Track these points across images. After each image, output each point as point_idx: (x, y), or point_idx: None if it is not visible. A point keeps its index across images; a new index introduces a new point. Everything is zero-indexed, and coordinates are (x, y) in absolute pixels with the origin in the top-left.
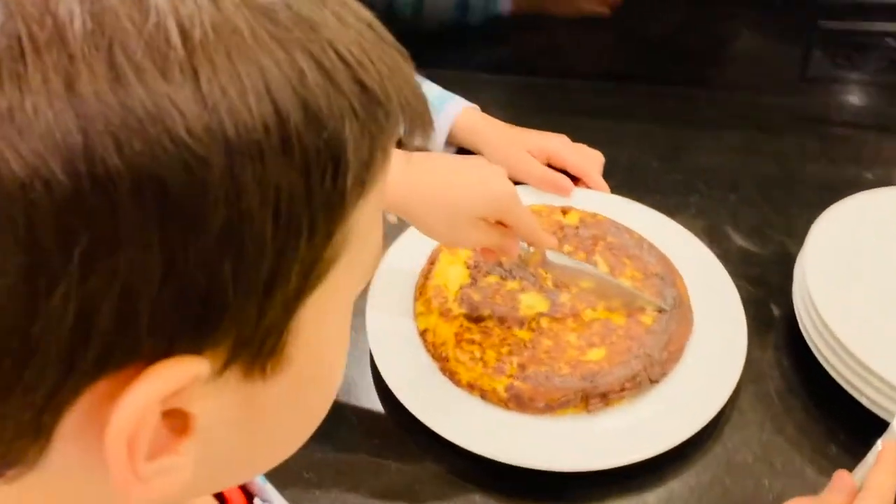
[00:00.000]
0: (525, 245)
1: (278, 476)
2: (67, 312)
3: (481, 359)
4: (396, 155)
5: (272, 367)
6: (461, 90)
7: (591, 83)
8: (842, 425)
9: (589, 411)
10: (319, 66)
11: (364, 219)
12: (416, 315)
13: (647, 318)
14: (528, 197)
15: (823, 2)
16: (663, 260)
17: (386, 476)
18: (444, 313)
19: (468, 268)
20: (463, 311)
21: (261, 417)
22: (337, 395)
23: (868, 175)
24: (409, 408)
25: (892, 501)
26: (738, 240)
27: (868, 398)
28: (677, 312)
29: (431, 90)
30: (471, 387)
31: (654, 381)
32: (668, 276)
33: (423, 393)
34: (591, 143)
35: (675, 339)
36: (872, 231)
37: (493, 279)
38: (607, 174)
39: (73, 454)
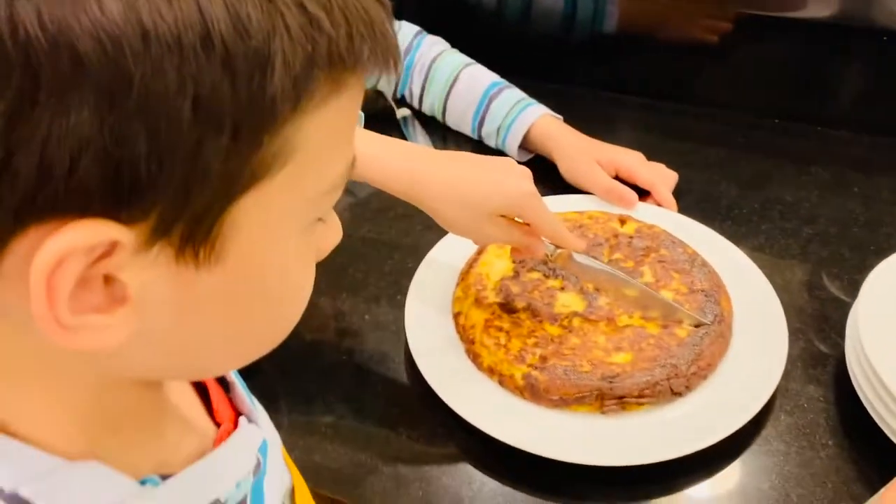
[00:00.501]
0: (552, 246)
1: (298, 427)
2: None
3: (505, 346)
4: (417, 150)
5: (204, 257)
6: (557, 101)
7: (687, 107)
8: (874, 468)
9: (604, 412)
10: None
11: (310, 143)
12: (455, 299)
13: (683, 331)
14: (590, 204)
15: None
16: (713, 278)
17: (397, 443)
18: (480, 300)
19: (514, 262)
20: (498, 300)
21: (199, 307)
22: (368, 364)
23: None
24: (429, 381)
25: None
26: (802, 274)
27: None
28: (715, 330)
29: (513, 94)
30: (491, 371)
31: (676, 393)
32: (713, 293)
33: (445, 370)
34: (673, 165)
35: (706, 356)
36: None
37: (535, 275)
38: (681, 195)
39: (14, 298)
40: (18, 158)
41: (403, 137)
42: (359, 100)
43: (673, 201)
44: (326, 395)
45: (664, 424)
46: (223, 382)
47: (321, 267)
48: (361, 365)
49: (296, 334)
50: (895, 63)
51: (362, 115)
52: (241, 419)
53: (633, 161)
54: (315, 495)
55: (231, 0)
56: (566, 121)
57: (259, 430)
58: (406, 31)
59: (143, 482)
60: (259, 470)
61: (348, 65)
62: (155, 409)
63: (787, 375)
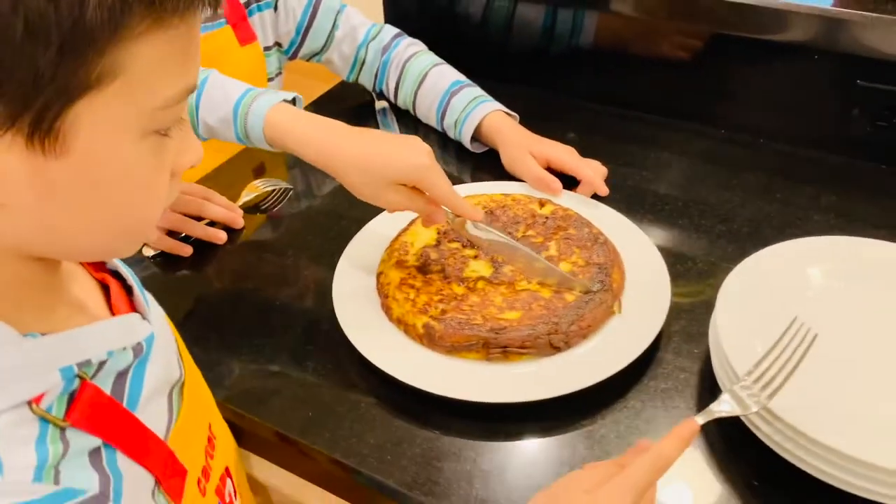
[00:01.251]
0: (452, 215)
1: (222, 351)
2: None
3: (413, 300)
4: (332, 126)
5: (49, 147)
6: (532, 106)
7: (643, 115)
8: (714, 434)
9: (488, 360)
10: None
11: (137, 65)
12: (381, 261)
13: (571, 296)
14: (519, 189)
15: None
16: (611, 255)
17: (303, 374)
18: (401, 262)
19: (438, 233)
20: (417, 263)
21: (53, 191)
22: (297, 309)
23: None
24: (342, 325)
25: (663, 472)
26: (703, 265)
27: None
28: (600, 297)
29: (472, 92)
30: (398, 321)
31: (555, 348)
32: (606, 266)
33: (360, 319)
34: (613, 164)
35: (588, 318)
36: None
37: (454, 245)
38: (614, 189)
39: None
40: None
41: (381, 126)
42: (188, 38)
43: (597, 182)
44: (253, 330)
45: (538, 373)
46: (126, 287)
47: (278, 229)
48: (291, 309)
49: (239, 278)
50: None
51: (301, 97)
52: (132, 313)
53: (562, 153)
54: (221, 407)
55: None
56: (537, 122)
57: (149, 325)
58: (387, 32)
59: (25, 336)
60: (141, 356)
61: (167, 8)
62: (48, 287)
63: (663, 346)
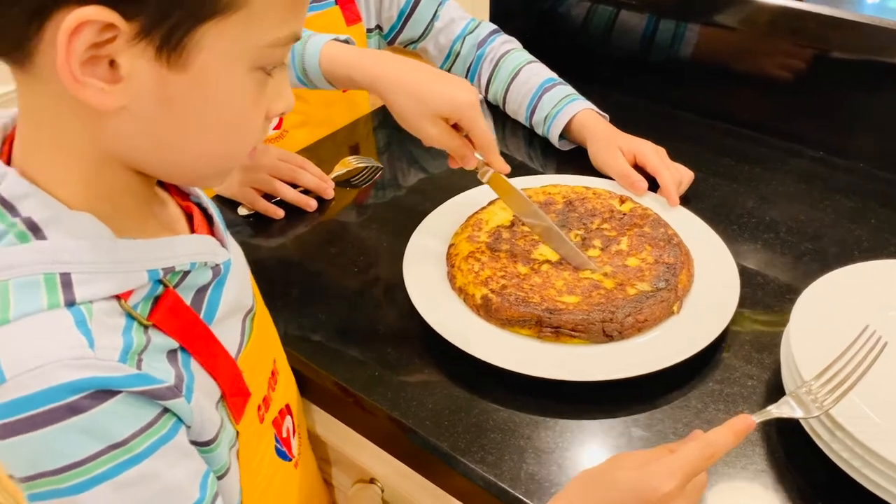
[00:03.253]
0: (482, 161)
1: (298, 310)
2: None
3: (476, 272)
4: (387, 56)
5: (174, 60)
6: (626, 112)
7: (739, 129)
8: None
9: (539, 338)
10: None
11: (257, 2)
12: (454, 234)
13: (633, 290)
14: (603, 184)
15: None
16: (682, 257)
17: (370, 333)
18: (472, 237)
19: (513, 216)
20: (488, 240)
21: (170, 104)
22: (372, 274)
23: None
24: (408, 286)
25: (712, 460)
26: (785, 279)
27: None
28: (662, 295)
29: (566, 89)
30: (459, 290)
31: (608, 336)
32: (674, 267)
33: (425, 284)
34: (705, 173)
35: (645, 312)
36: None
37: (527, 229)
38: (702, 197)
39: (51, 56)
40: None
41: None
42: None
43: (672, 191)
44: (330, 291)
45: (589, 357)
46: (207, 216)
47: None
48: (368, 275)
49: (323, 243)
50: None
51: (353, 39)
52: (212, 237)
53: (650, 151)
54: (291, 357)
55: None
56: (629, 129)
57: (226, 251)
58: (484, 28)
59: (120, 238)
60: (219, 277)
61: None
62: (143, 200)
63: (733, 353)
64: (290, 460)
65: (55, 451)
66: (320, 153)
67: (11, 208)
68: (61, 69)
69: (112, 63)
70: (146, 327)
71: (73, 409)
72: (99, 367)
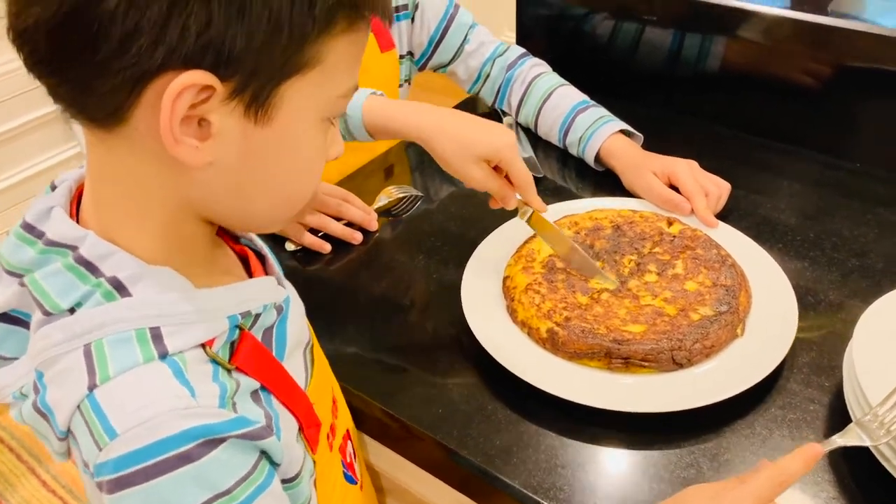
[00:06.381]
0: (522, 203)
1: (353, 344)
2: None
3: (538, 305)
4: (427, 108)
5: (261, 116)
6: (657, 128)
7: (773, 143)
8: (845, 472)
9: (610, 369)
10: None
11: (331, 58)
12: (507, 266)
13: (696, 315)
14: (648, 206)
15: None
16: (738, 278)
17: (430, 368)
18: (527, 268)
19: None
20: (543, 271)
21: (252, 154)
22: (426, 309)
23: None
24: (470, 323)
25: (783, 488)
26: (835, 297)
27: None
28: (726, 318)
29: (599, 111)
30: (522, 324)
31: (677, 364)
32: (733, 289)
33: (486, 319)
34: (746, 189)
35: (712, 337)
36: None
37: None
38: (744, 215)
39: (147, 118)
40: (171, 35)
41: None
42: (363, 43)
43: (707, 213)
44: (384, 327)
45: (662, 386)
46: (259, 257)
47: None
48: (420, 308)
49: (371, 276)
50: None
51: (384, 94)
52: (271, 277)
53: (682, 170)
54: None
55: None
56: (663, 145)
57: (284, 289)
58: (513, 51)
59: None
60: (282, 314)
61: (360, 9)
62: (210, 249)
63: (791, 376)
64: (356, 483)
65: (164, 502)
66: (359, 184)
67: (95, 269)
68: (164, 130)
69: (201, 121)
70: (230, 371)
71: (184, 459)
72: (205, 414)
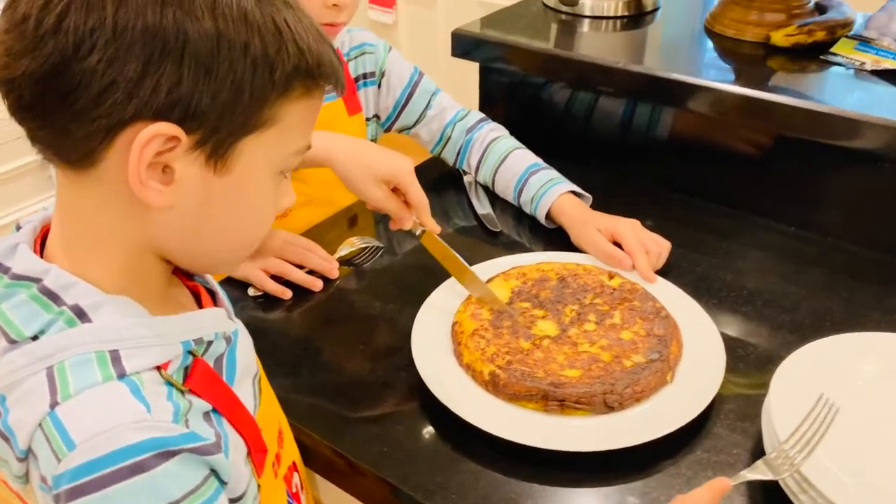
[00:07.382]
0: (418, 224)
1: (304, 380)
2: (107, 76)
3: (483, 349)
4: (334, 136)
5: (220, 167)
6: (607, 189)
7: (717, 206)
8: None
9: (546, 411)
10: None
11: (288, 119)
12: (457, 312)
13: (629, 362)
14: (591, 260)
15: None
16: (671, 329)
17: (372, 405)
18: (475, 315)
19: (511, 293)
20: (490, 317)
21: (210, 201)
22: (379, 348)
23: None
24: (417, 363)
25: None
26: (763, 349)
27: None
28: (657, 366)
29: (550, 173)
30: (467, 367)
31: (609, 407)
32: (665, 339)
33: (433, 360)
34: (686, 249)
35: (642, 383)
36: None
37: (526, 304)
38: (683, 273)
39: (117, 161)
40: (145, 91)
41: (467, 197)
42: (317, 108)
43: (647, 269)
44: (337, 368)
45: (594, 427)
46: (210, 292)
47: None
48: (374, 352)
49: (329, 321)
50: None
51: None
52: (222, 309)
53: (624, 229)
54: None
55: (271, 32)
56: (613, 206)
57: (233, 322)
58: (473, 116)
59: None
60: (231, 344)
61: (316, 78)
62: (162, 283)
63: (718, 421)
64: None
65: None
66: (324, 234)
67: (57, 298)
68: (132, 173)
69: (165, 168)
70: (183, 392)
71: (138, 469)
72: (160, 428)
